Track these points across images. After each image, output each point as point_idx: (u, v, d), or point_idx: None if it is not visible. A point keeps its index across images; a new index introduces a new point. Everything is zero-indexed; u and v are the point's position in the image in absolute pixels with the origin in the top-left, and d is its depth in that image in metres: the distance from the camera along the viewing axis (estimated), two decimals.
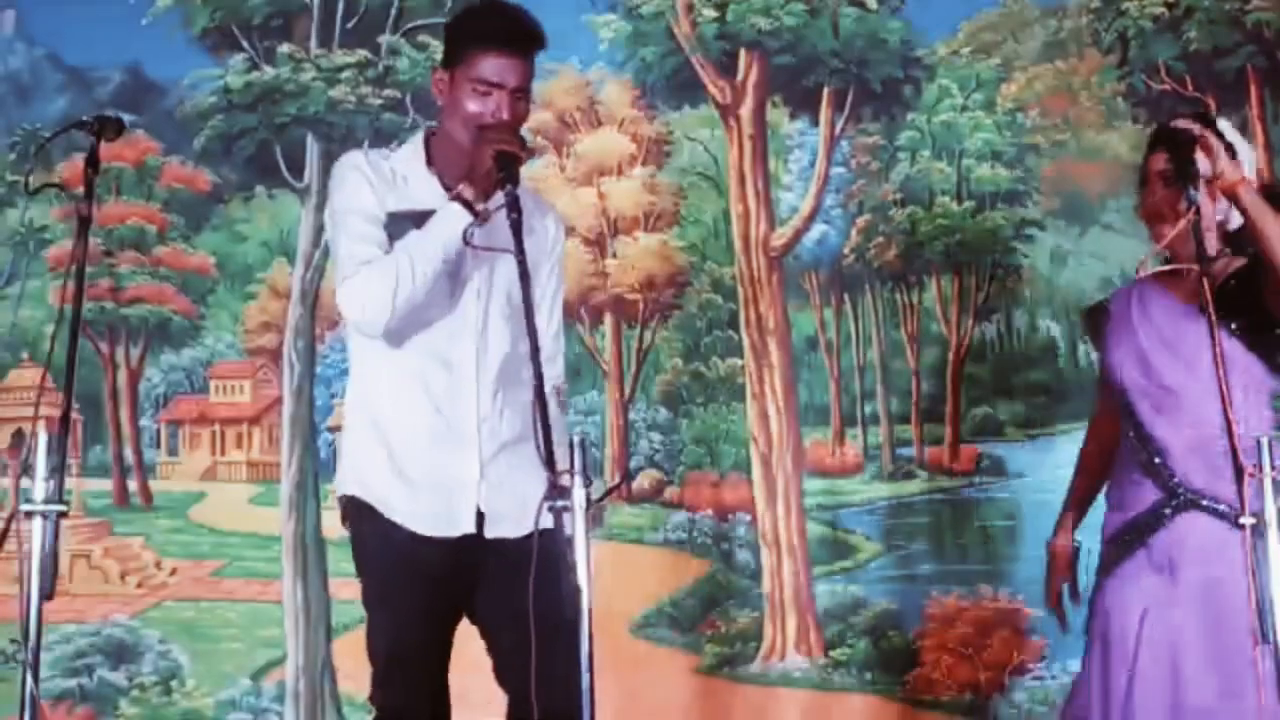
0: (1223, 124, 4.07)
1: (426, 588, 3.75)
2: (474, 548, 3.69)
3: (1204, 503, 3.88)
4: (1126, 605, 3.99)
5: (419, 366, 3.75)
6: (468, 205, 3.58)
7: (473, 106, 3.71)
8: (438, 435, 3.73)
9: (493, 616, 3.74)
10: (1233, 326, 3.90)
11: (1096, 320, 4.23)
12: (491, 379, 3.70)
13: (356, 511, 3.84)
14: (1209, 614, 3.84)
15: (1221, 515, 3.84)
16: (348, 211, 3.76)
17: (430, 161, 3.79)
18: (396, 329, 3.69)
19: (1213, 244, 3.95)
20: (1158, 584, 3.94)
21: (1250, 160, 4.01)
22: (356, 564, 3.88)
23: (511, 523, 3.65)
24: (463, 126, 3.72)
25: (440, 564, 3.73)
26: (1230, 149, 3.96)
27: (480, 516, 3.71)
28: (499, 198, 3.53)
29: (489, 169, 3.54)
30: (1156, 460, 3.96)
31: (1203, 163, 3.82)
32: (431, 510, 3.73)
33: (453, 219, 3.59)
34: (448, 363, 3.72)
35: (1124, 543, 4.02)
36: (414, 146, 3.87)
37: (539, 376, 3.31)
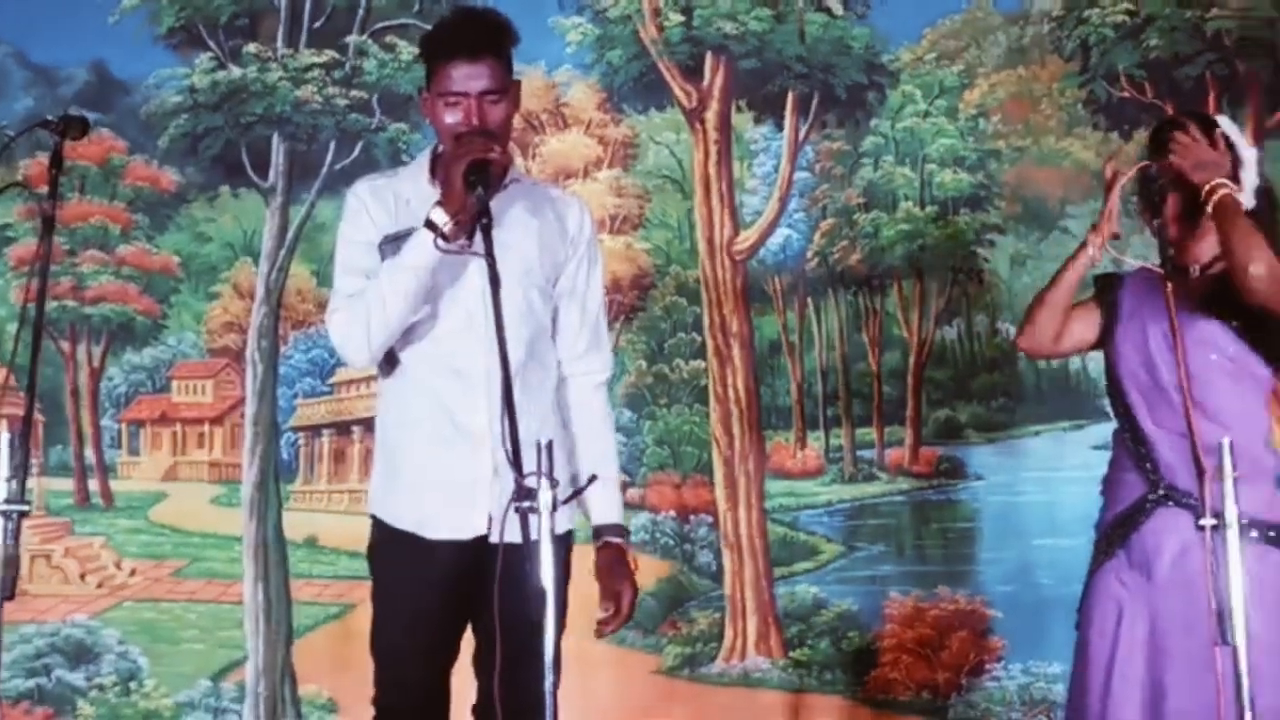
0: (1225, 122, 4.13)
1: (433, 591, 3.79)
2: (483, 552, 3.65)
3: (1187, 501, 3.90)
4: (1105, 604, 4.04)
5: (430, 377, 3.78)
6: (433, 227, 3.59)
7: (447, 119, 3.73)
8: (450, 441, 3.75)
9: (489, 618, 3.73)
10: (1233, 324, 3.96)
11: (1110, 290, 4.22)
12: (501, 380, 3.68)
13: (373, 527, 3.92)
14: (1185, 613, 3.87)
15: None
16: (341, 244, 3.86)
17: (434, 178, 3.78)
18: (404, 347, 3.78)
19: (1206, 250, 4.03)
20: (1136, 582, 4.00)
21: (1253, 160, 4.05)
22: (370, 569, 3.94)
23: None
24: (445, 141, 3.75)
25: (449, 567, 3.76)
26: (1232, 148, 4.02)
27: (491, 520, 3.69)
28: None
29: (459, 183, 3.55)
30: (1144, 454, 4.02)
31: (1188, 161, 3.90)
32: (442, 513, 3.76)
33: (420, 245, 3.61)
34: (458, 369, 3.73)
35: (1110, 538, 4.07)
36: (419, 164, 3.90)
37: (506, 377, 3.30)
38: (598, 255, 4.03)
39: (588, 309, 3.97)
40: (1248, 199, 4.03)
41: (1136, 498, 4.02)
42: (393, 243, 3.71)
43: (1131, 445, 4.06)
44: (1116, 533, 4.05)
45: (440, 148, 3.81)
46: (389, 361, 3.83)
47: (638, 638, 6.00)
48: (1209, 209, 3.88)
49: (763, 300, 6.17)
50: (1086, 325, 4.21)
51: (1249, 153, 4.07)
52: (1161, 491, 3.96)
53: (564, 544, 3.73)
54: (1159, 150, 4.04)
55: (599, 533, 3.93)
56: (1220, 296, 3.99)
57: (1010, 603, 5.98)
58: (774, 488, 6.10)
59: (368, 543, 3.93)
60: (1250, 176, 4.03)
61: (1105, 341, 4.18)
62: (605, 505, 3.94)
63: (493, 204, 3.58)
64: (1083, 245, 4.15)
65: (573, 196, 4.20)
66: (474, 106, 3.70)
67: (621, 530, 3.96)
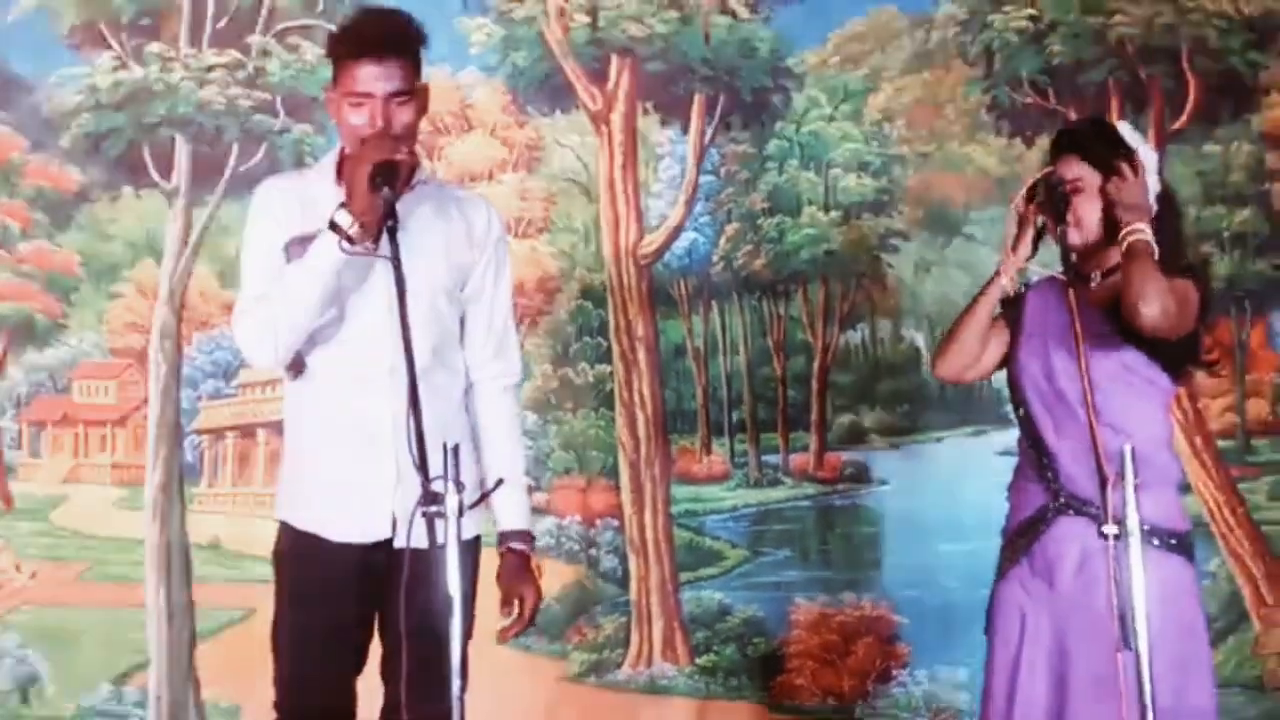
0: (1123, 127, 4.16)
1: (336, 594, 3.78)
2: (388, 555, 3.67)
3: (1088, 509, 3.94)
4: (1009, 612, 4.07)
5: (335, 380, 3.78)
6: (338, 229, 3.57)
7: (353, 120, 3.71)
8: (354, 444, 3.74)
9: (394, 623, 3.72)
10: (1132, 334, 3.95)
11: (1014, 303, 4.22)
12: (407, 383, 3.66)
13: (280, 529, 3.90)
14: (1088, 620, 3.90)
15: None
16: (247, 246, 3.85)
17: (340, 179, 3.74)
18: (310, 350, 3.77)
19: (1108, 258, 4.04)
20: (1039, 590, 4.02)
21: (1152, 163, 4.08)
22: (274, 571, 3.92)
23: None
24: (350, 142, 3.73)
25: (353, 571, 3.75)
26: (1132, 153, 4.06)
27: (395, 523, 3.70)
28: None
29: (364, 185, 3.54)
30: (1045, 463, 4.03)
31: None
32: (345, 516, 3.75)
33: (325, 248, 3.60)
34: (363, 372, 3.72)
35: (1014, 546, 4.09)
36: (326, 165, 3.87)
37: (413, 381, 3.31)
38: (506, 259, 4.02)
39: (495, 313, 3.97)
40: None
41: (1038, 506, 4.04)
42: (298, 244, 3.69)
43: (1034, 455, 4.08)
44: (1019, 541, 4.07)
45: (346, 149, 3.78)
46: (296, 364, 3.82)
47: (543, 644, 5.99)
48: (1122, 248, 3.91)
49: (668, 304, 6.17)
50: (999, 344, 4.23)
51: (1149, 157, 4.10)
52: (1062, 500, 3.98)
53: (471, 549, 3.74)
54: (1060, 156, 4.09)
55: (503, 538, 3.93)
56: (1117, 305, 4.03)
57: (916, 608, 6.01)
58: (679, 492, 6.11)
59: (274, 545, 3.91)
60: (1151, 180, 4.07)
61: (1009, 354, 4.20)
62: (511, 511, 3.94)
63: (399, 206, 3.57)
64: (995, 275, 4.15)
65: (481, 199, 4.18)
66: (380, 107, 3.68)
67: (526, 536, 3.96)
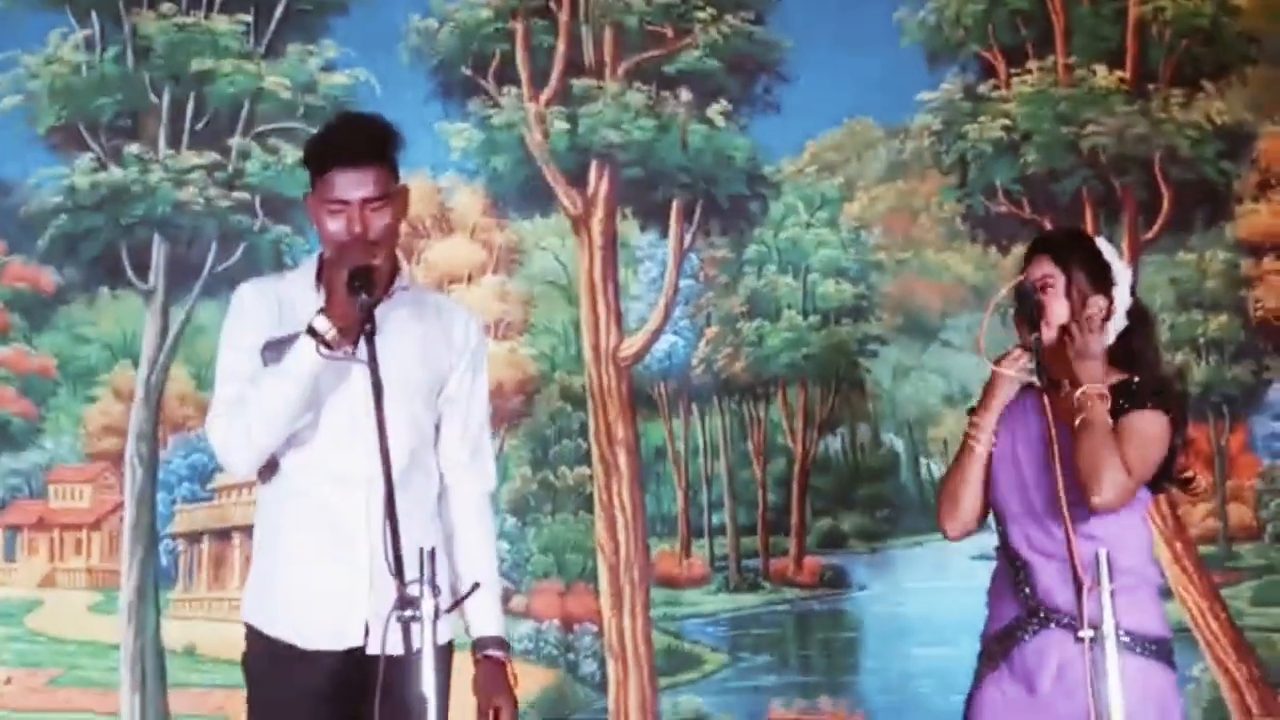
0: (1101, 243, 4.19)
1: (308, 701, 3.72)
2: (361, 662, 3.63)
3: (1067, 621, 3.90)
4: (988, 715, 4.04)
5: (309, 483, 3.75)
6: (316, 334, 3.56)
7: (331, 226, 3.71)
8: (328, 548, 3.70)
9: None
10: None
11: None
12: (384, 487, 3.60)
13: (248, 635, 3.85)
14: None
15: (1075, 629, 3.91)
16: (224, 347, 3.82)
17: (319, 283, 3.74)
18: (284, 452, 3.74)
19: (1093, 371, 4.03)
20: (1017, 694, 4.00)
21: (1125, 280, 4.11)
22: (244, 678, 3.86)
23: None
24: (329, 246, 3.73)
25: (324, 679, 3.70)
26: (1106, 268, 4.09)
27: (368, 630, 3.65)
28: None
29: (342, 290, 3.53)
30: (1020, 575, 4.02)
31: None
32: (317, 622, 3.71)
33: (302, 353, 3.59)
34: (338, 476, 3.69)
35: (992, 652, 4.08)
36: (307, 268, 3.86)
37: (389, 485, 3.30)
38: (483, 365, 4.01)
39: (471, 419, 3.95)
40: (1119, 319, 4.11)
41: (1014, 618, 4.03)
42: (275, 347, 3.67)
43: (1009, 569, 4.07)
44: (997, 647, 4.06)
45: (326, 253, 3.78)
46: (268, 467, 3.79)
47: None
48: (1077, 419, 3.92)
49: (648, 407, 6.18)
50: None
51: (1123, 274, 4.14)
52: (1042, 614, 3.97)
53: (445, 654, 3.71)
54: (1032, 258, 4.12)
55: (479, 645, 3.89)
56: None
57: (892, 713, 6.01)
58: (659, 596, 6.09)
59: (243, 651, 3.86)
60: (1123, 295, 4.11)
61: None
62: (485, 617, 3.89)
63: (379, 311, 3.56)
64: (967, 438, 4.16)
65: (460, 306, 4.17)
66: (356, 213, 3.68)
67: (501, 643, 3.91)
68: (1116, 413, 3.96)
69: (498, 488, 4.12)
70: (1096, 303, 4.05)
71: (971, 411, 4.20)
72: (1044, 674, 3.95)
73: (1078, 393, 3.91)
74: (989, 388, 4.13)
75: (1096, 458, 3.85)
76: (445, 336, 3.90)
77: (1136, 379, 4.03)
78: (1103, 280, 4.08)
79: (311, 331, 3.56)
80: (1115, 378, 4.03)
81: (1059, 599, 3.92)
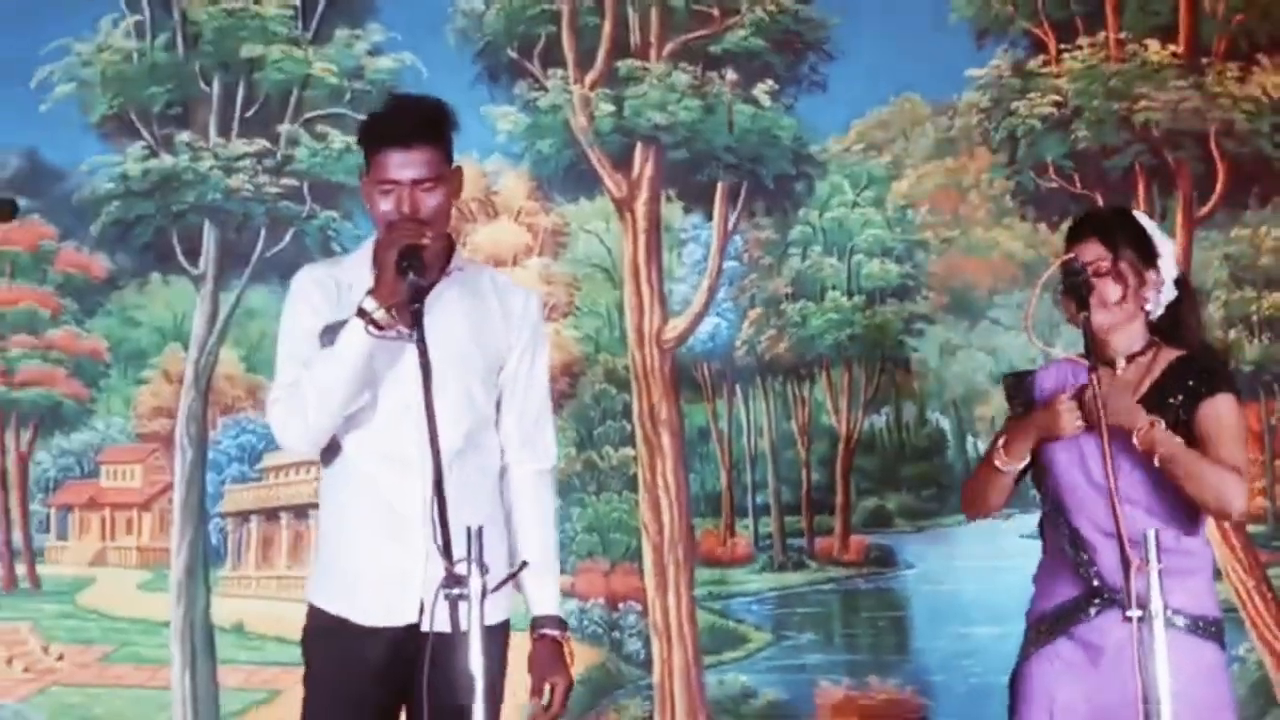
0: (1141, 217, 4.18)
1: (364, 678, 3.79)
2: (417, 639, 3.64)
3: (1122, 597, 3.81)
4: (1040, 687, 4.02)
5: (367, 463, 3.81)
6: (365, 315, 3.61)
7: (383, 206, 3.76)
8: (385, 528, 3.76)
9: (419, 707, 3.72)
10: (1165, 419, 3.94)
11: (1022, 391, 4.22)
12: (434, 465, 3.64)
13: (309, 613, 3.92)
14: (1125, 705, 3.78)
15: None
16: (283, 333, 3.89)
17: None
18: (344, 433, 3.80)
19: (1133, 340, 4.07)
20: (1080, 672, 3.98)
21: (1170, 252, 4.11)
22: (303, 654, 3.94)
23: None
24: (380, 228, 3.78)
25: (381, 655, 3.76)
26: (1149, 242, 4.06)
27: (423, 607, 3.67)
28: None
29: (391, 271, 3.58)
30: (1082, 555, 3.99)
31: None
32: (374, 600, 3.77)
33: (353, 334, 3.64)
34: (394, 456, 3.74)
35: (1048, 630, 4.05)
36: (364, 252, 3.90)
37: (437, 464, 3.32)
38: (543, 344, 4.03)
39: (530, 398, 3.97)
40: (1168, 290, 4.08)
41: (1075, 596, 4.01)
42: (333, 331, 3.72)
43: (1070, 550, 4.03)
44: (1056, 625, 4.03)
45: (379, 235, 3.82)
46: (330, 448, 3.85)
47: None
48: (1154, 459, 3.90)
49: (692, 388, 6.18)
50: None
51: (1166, 245, 4.11)
52: (1105, 595, 3.93)
53: (500, 634, 3.76)
54: (1080, 240, 4.08)
55: (536, 624, 3.93)
56: (1155, 390, 4.03)
57: (941, 692, 5.99)
58: (703, 575, 6.10)
59: (303, 628, 3.93)
60: (1169, 266, 4.08)
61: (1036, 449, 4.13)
62: (543, 597, 3.95)
63: (435, 291, 3.65)
64: (995, 461, 4.14)
65: (519, 285, 4.22)
66: (406, 194, 3.73)
67: (558, 622, 3.95)
68: (1189, 399, 3.97)
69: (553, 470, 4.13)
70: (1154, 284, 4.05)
71: (1008, 416, 4.22)
72: (1107, 650, 3.92)
73: (1137, 433, 3.88)
74: (1028, 430, 4.08)
75: (1204, 482, 3.89)
76: (504, 314, 3.94)
77: (1193, 360, 4.04)
78: (1149, 255, 4.06)
79: (361, 312, 3.62)
80: (1169, 354, 4.04)
81: (1120, 579, 3.82)
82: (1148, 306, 4.08)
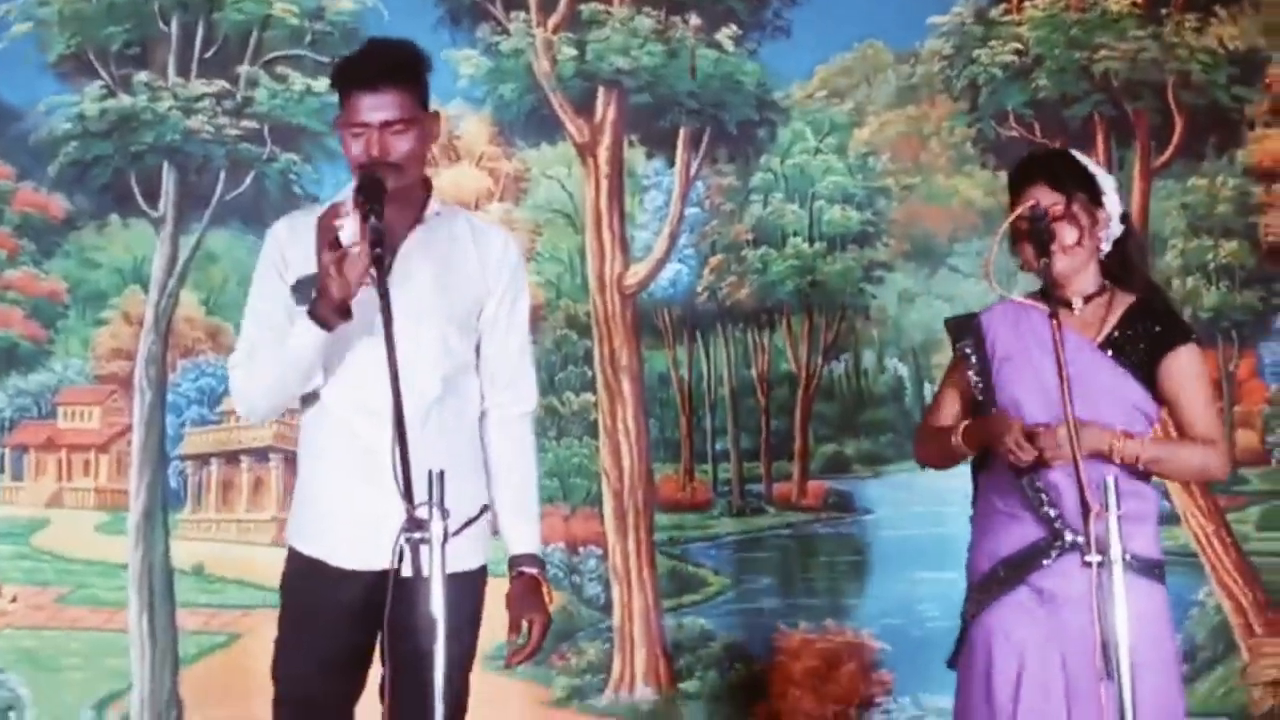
0: (1081, 157, 4.20)
1: (339, 619, 3.79)
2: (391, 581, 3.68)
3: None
4: (1009, 636, 4.04)
5: (344, 410, 3.80)
6: (316, 318, 3.62)
7: (354, 149, 3.75)
8: (361, 473, 3.73)
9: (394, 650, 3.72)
10: (1123, 362, 4.03)
11: (969, 333, 4.23)
12: (418, 412, 3.65)
13: (288, 556, 3.94)
14: (1086, 649, 3.84)
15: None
16: (252, 289, 3.91)
17: (355, 210, 3.71)
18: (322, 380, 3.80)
19: (1088, 282, 4.10)
20: (1040, 619, 4.01)
21: (1112, 188, 4.13)
22: (280, 595, 3.95)
23: None
24: (354, 171, 3.76)
25: (356, 598, 3.74)
26: (1095, 181, 4.08)
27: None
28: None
29: (332, 271, 3.56)
30: (1046, 500, 4.01)
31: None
32: (350, 543, 3.77)
33: (303, 337, 3.65)
34: (370, 403, 3.68)
35: (1001, 578, 4.07)
36: (343, 198, 3.86)
37: (397, 405, 3.31)
38: (523, 288, 4.02)
39: (510, 342, 3.97)
40: (1115, 227, 4.13)
41: (1034, 540, 4.03)
42: (304, 287, 3.71)
43: (1029, 490, 4.03)
44: (1015, 573, 4.04)
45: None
46: (308, 394, 3.85)
47: (526, 668, 5.95)
48: (1140, 465, 3.98)
49: (652, 334, 6.19)
50: (962, 410, 4.24)
51: (1108, 182, 4.15)
52: (1067, 537, 3.96)
53: (473, 580, 3.79)
54: (1031, 184, 4.07)
55: (514, 563, 3.94)
56: (1110, 335, 4.07)
57: (898, 636, 6.04)
58: (663, 520, 6.13)
59: (282, 572, 3.94)
60: (1114, 203, 4.12)
61: (982, 389, 4.16)
62: (521, 536, 3.95)
63: (411, 237, 3.68)
64: (945, 429, 4.19)
65: (496, 228, 4.21)
66: (375, 137, 3.71)
67: (536, 560, 3.95)
68: (1150, 347, 4.03)
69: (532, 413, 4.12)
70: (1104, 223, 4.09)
71: (953, 358, 4.29)
72: (1064, 596, 3.95)
73: (1112, 452, 3.93)
74: (985, 437, 4.09)
75: (1189, 467, 4.17)
76: (481, 259, 3.92)
77: (1151, 308, 4.10)
78: (1097, 194, 4.09)
79: (311, 314, 3.61)
80: (1124, 299, 4.09)
81: (1079, 521, 3.85)
82: (1102, 246, 4.11)
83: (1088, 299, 4.10)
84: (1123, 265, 4.14)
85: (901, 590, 6.06)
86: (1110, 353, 4.04)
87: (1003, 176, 5.98)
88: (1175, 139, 6.21)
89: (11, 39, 6.09)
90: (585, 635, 6.07)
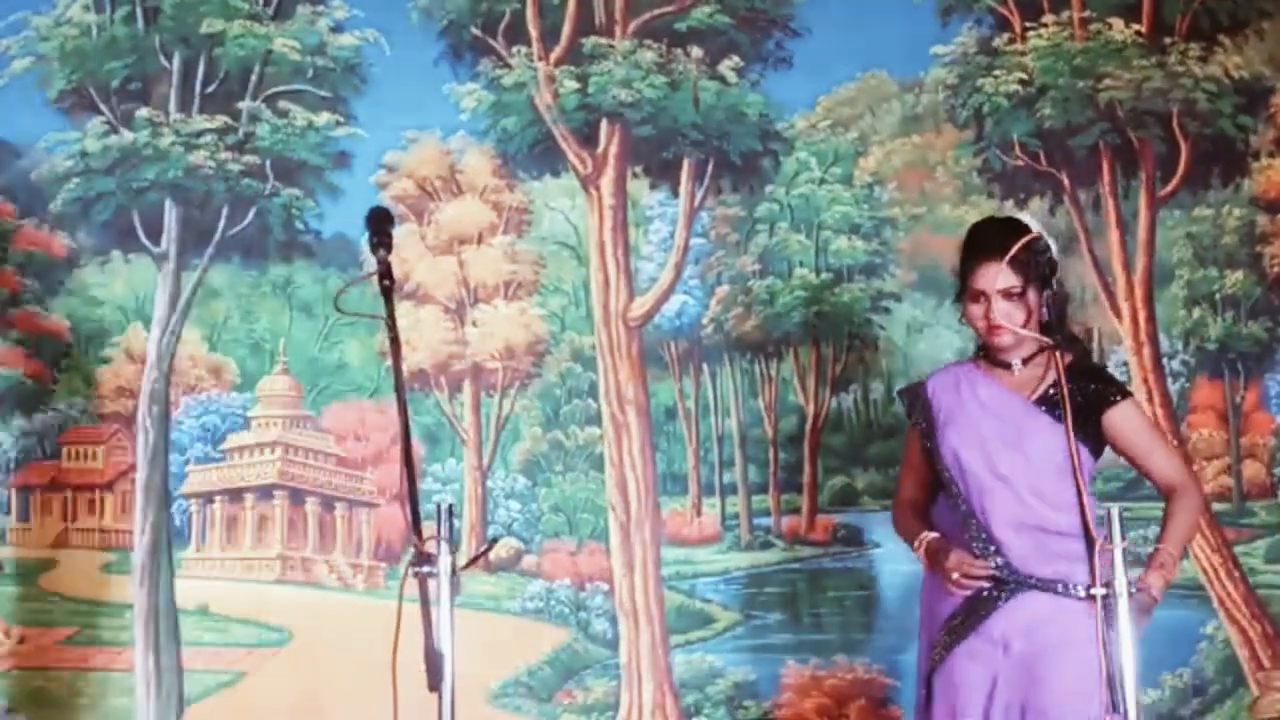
0: (1027, 219, 4.43)
1: None
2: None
3: (1032, 581, 4.13)
4: (973, 681, 4.21)
5: None
6: None
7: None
8: None
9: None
10: (1057, 417, 4.16)
11: (918, 403, 4.48)
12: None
13: None
14: (1037, 683, 4.09)
15: (1051, 590, 4.03)
16: None
17: None
18: None
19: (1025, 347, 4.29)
20: (996, 659, 4.19)
21: (1055, 250, 4.35)
22: None
23: None
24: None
25: None
26: (1054, 265, 4.31)
27: None
28: None
29: None
30: (990, 546, 4.22)
31: None
32: None
33: None
34: None
35: (957, 626, 4.26)
36: None
37: (406, 441, 3.31)
38: None
39: None
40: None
41: (982, 591, 4.22)
42: None
43: (971, 533, 4.27)
44: (965, 621, 4.25)
45: None
46: None
47: (534, 705, 5.96)
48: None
49: (658, 366, 6.16)
50: (926, 477, 4.50)
51: (1054, 247, 4.36)
52: (1012, 581, 4.17)
53: None
54: (988, 262, 4.29)
55: None
56: (1046, 393, 4.25)
57: (908, 671, 5.96)
58: (670, 555, 6.09)
59: None
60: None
61: (929, 448, 4.41)
62: None
63: None
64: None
65: None
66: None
67: None
68: (1090, 405, 4.23)
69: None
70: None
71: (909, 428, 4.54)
72: (1016, 634, 4.15)
73: (1161, 590, 4.13)
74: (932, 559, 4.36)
75: (1194, 524, 4.52)
76: None
77: (1087, 368, 4.37)
78: (1050, 277, 4.31)
79: None
80: (1059, 361, 4.18)
81: (1027, 564, 4.14)
82: (1044, 319, 4.28)
83: (1026, 360, 4.31)
84: (1059, 319, 4.29)
85: (911, 625, 5.95)
86: (1044, 409, 4.22)
87: (1009, 206, 6.07)
88: (1180, 168, 6.20)
89: (12, 75, 6.10)
90: (592, 672, 6.03)
